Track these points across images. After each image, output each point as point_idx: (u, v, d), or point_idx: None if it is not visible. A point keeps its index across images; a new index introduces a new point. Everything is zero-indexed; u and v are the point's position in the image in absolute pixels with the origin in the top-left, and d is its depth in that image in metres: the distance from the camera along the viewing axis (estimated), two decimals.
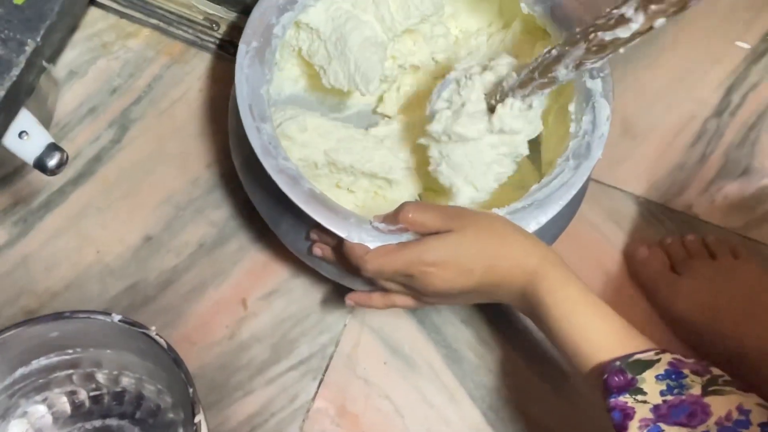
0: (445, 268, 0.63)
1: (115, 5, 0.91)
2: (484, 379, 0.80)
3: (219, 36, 0.90)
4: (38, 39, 0.65)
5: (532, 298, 0.63)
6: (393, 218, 0.65)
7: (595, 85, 0.74)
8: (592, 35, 0.60)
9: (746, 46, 0.96)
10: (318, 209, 0.67)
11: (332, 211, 0.67)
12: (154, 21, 0.91)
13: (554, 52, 0.64)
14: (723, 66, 0.95)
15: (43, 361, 0.68)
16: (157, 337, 0.63)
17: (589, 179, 0.77)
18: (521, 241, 0.64)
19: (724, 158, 0.91)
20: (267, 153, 0.69)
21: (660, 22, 0.57)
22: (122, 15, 0.91)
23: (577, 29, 0.62)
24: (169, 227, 0.84)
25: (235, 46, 0.88)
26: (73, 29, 0.89)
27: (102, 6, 0.91)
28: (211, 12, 0.91)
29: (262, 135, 0.70)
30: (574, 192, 0.70)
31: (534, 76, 0.66)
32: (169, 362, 0.62)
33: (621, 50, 0.60)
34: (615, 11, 0.58)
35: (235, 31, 0.90)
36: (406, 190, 0.81)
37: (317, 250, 0.71)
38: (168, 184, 0.85)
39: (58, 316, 0.64)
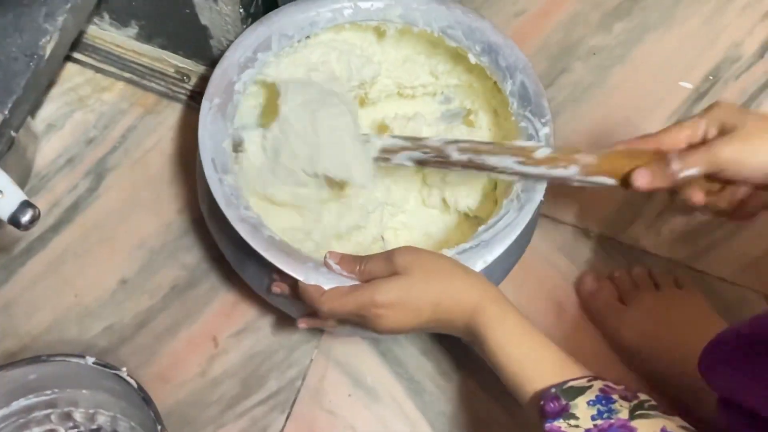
0: (396, 308, 0.66)
1: (90, 60, 0.96)
2: (445, 409, 0.84)
3: (189, 87, 0.95)
4: (6, 112, 0.70)
5: (475, 332, 0.67)
6: (346, 266, 0.69)
7: (541, 130, 0.78)
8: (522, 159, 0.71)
9: (689, 86, 1.01)
10: (277, 255, 0.71)
11: (291, 256, 0.71)
12: (127, 75, 0.96)
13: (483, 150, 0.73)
14: (667, 105, 1.00)
15: (22, 402, 0.72)
16: (128, 378, 0.68)
17: (536, 218, 0.81)
18: (463, 279, 0.68)
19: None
20: (229, 203, 0.73)
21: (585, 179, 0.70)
22: (97, 70, 0.96)
23: (513, 143, 0.73)
24: (143, 270, 0.88)
25: None
26: (50, 85, 0.95)
27: (78, 61, 0.96)
28: (181, 65, 0.95)
29: (224, 186, 0.73)
30: (518, 232, 0.74)
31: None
32: (140, 401, 0.67)
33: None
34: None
35: (205, 82, 0.91)
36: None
37: (276, 289, 0.75)
38: (142, 229, 0.90)
39: (35, 359, 0.68)
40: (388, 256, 0.68)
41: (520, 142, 0.75)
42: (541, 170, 0.72)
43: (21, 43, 0.71)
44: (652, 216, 0.94)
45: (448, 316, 0.67)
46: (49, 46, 0.72)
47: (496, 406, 0.84)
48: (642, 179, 0.68)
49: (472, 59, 0.82)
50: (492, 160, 0.74)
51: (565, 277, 0.91)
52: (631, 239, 0.93)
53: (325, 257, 0.70)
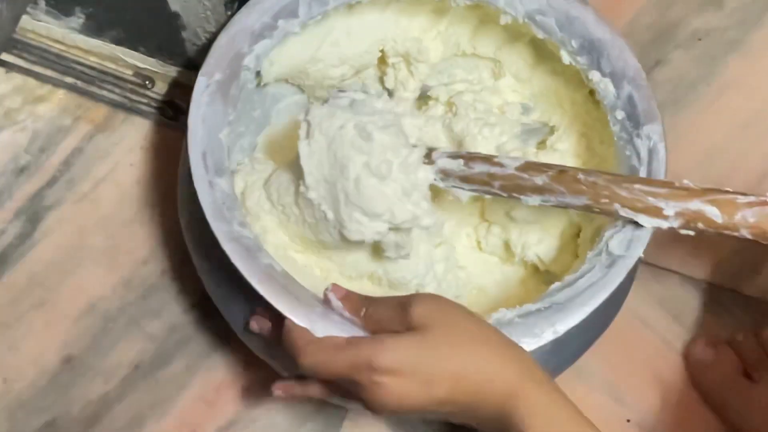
0: (401, 377, 0.65)
1: (20, 62, 0.98)
2: None
3: (155, 96, 0.97)
4: None
5: (508, 421, 0.65)
6: (350, 305, 0.70)
7: (651, 163, 0.79)
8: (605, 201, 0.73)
9: None
10: (275, 291, 0.71)
11: (293, 295, 0.71)
12: (70, 80, 0.97)
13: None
14: None
15: None
16: None
17: (631, 278, 0.83)
18: (499, 350, 0.67)
19: None
20: (219, 216, 0.73)
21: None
22: (29, 73, 0.98)
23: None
24: (95, 344, 0.89)
25: (176, 108, 0.96)
26: None
27: (3, 63, 0.98)
28: (142, 66, 0.97)
29: (215, 191, 0.74)
30: (605, 295, 0.74)
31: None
32: None
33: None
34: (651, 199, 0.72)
35: (176, 89, 0.97)
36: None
37: (254, 325, 0.76)
38: (93, 288, 0.90)
39: None
40: (404, 303, 0.68)
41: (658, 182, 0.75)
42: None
43: None
44: None
45: (473, 398, 0.66)
46: None
47: None
48: None
49: (566, 59, 0.83)
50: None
51: (668, 343, 0.91)
52: (758, 291, 0.93)
53: (326, 290, 0.71)
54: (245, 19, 0.81)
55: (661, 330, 0.92)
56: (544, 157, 0.87)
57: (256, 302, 0.73)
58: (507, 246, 0.88)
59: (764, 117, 1.01)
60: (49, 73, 0.98)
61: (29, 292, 0.90)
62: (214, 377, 0.88)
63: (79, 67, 0.97)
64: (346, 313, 0.70)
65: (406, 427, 0.88)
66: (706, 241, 0.94)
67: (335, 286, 0.71)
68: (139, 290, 0.91)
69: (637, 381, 0.90)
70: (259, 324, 0.75)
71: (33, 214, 0.93)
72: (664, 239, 0.92)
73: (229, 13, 0.86)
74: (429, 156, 0.79)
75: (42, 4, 0.94)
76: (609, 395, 0.89)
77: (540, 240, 0.86)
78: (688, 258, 0.95)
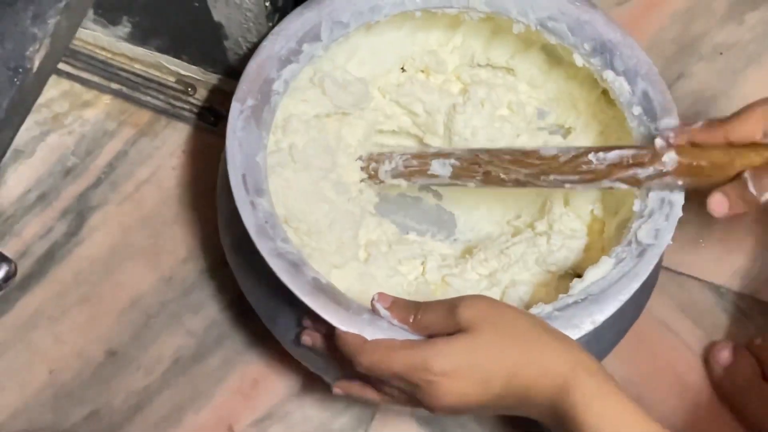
0: (457, 378, 0.67)
1: (68, 68, 1.01)
2: None
3: (196, 102, 1.00)
4: None
5: (564, 414, 0.66)
6: (398, 313, 0.71)
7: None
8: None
9: None
10: (323, 302, 0.73)
11: (341, 305, 0.73)
12: (115, 86, 1.00)
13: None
14: None
15: None
16: None
17: (659, 266, 0.83)
18: (550, 344, 0.68)
19: None
20: (263, 233, 0.75)
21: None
22: (77, 79, 1.01)
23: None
24: (137, 339, 0.92)
25: (216, 114, 0.97)
26: None
27: None
28: (185, 74, 1.00)
29: (258, 212, 0.76)
30: (638, 284, 0.75)
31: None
32: None
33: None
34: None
35: (216, 95, 0.99)
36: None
37: (306, 339, 0.77)
38: (135, 284, 0.93)
39: None
40: (452, 306, 0.69)
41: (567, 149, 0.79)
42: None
43: (2, 53, 0.72)
44: None
45: (527, 392, 0.67)
46: (38, 56, 0.70)
47: None
48: (718, 208, 0.71)
49: (579, 61, 0.85)
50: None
51: (689, 347, 0.93)
52: None
53: (373, 300, 0.72)
54: (272, 46, 0.83)
55: (682, 334, 0.93)
56: None
57: (305, 315, 0.74)
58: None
59: None
60: (95, 79, 1.01)
61: (75, 287, 0.93)
62: (250, 372, 0.91)
63: (124, 74, 1.00)
64: (395, 321, 0.71)
65: (435, 424, 0.90)
66: (726, 248, 0.97)
67: (381, 295, 0.72)
68: (179, 288, 0.94)
69: (657, 383, 0.91)
70: (311, 337, 0.77)
71: (79, 214, 0.96)
72: (684, 244, 0.94)
73: (271, 24, 0.88)
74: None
75: (90, 13, 0.96)
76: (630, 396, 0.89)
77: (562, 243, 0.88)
78: (709, 264, 0.96)
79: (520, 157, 0.81)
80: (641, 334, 0.90)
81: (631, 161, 0.75)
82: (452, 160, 0.85)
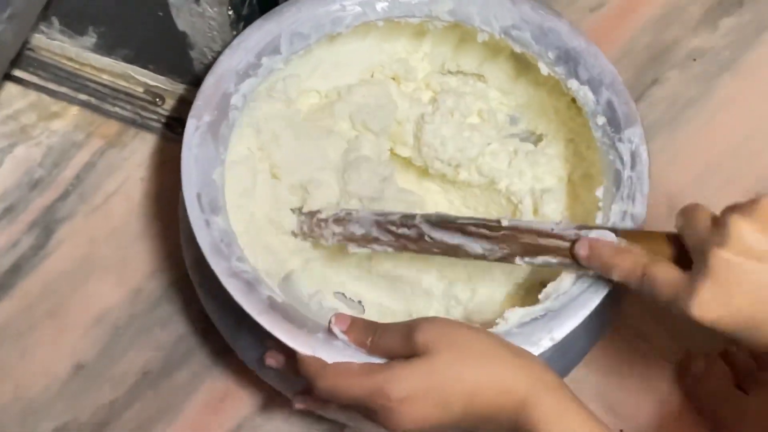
0: (415, 403, 0.66)
1: (35, 79, 1.00)
2: None
3: (164, 112, 0.99)
4: None
5: (526, 431, 0.66)
6: (354, 335, 0.71)
7: (634, 167, 0.80)
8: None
9: None
10: (277, 322, 0.73)
11: (296, 324, 0.72)
12: (83, 97, 1.00)
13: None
14: None
15: None
16: None
17: None
18: (509, 361, 0.68)
19: None
20: (217, 253, 0.75)
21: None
22: (44, 90, 1.00)
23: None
24: (105, 353, 0.91)
25: (184, 124, 0.97)
26: None
27: (19, 81, 1.00)
28: (153, 84, 0.99)
29: (213, 230, 0.76)
30: (598, 300, 0.75)
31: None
32: None
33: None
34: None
35: (184, 105, 0.98)
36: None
37: (270, 360, 0.77)
38: (103, 298, 0.93)
39: None
40: (409, 329, 0.69)
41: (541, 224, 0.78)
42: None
43: None
44: None
45: (489, 412, 0.67)
46: None
47: None
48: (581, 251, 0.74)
49: (544, 69, 0.85)
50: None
51: (662, 355, 0.92)
52: None
53: (330, 322, 0.72)
54: (229, 60, 0.83)
55: (655, 343, 0.93)
56: (535, 162, 0.90)
57: (263, 335, 0.74)
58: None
59: (759, 135, 1.03)
60: (63, 90, 1.00)
61: (42, 301, 0.93)
62: (219, 385, 0.90)
63: (91, 85, 1.00)
64: (352, 345, 0.71)
65: None
66: None
67: (338, 317, 0.72)
68: (148, 301, 0.93)
69: (630, 392, 0.91)
70: (275, 359, 0.76)
71: (46, 227, 0.96)
72: None
73: (235, 33, 0.87)
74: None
75: (56, 23, 0.96)
76: (603, 406, 0.89)
77: None
78: None
79: (449, 251, 0.80)
80: (614, 343, 0.90)
81: (555, 264, 0.76)
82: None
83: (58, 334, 0.92)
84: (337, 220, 0.85)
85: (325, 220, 0.86)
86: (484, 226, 0.78)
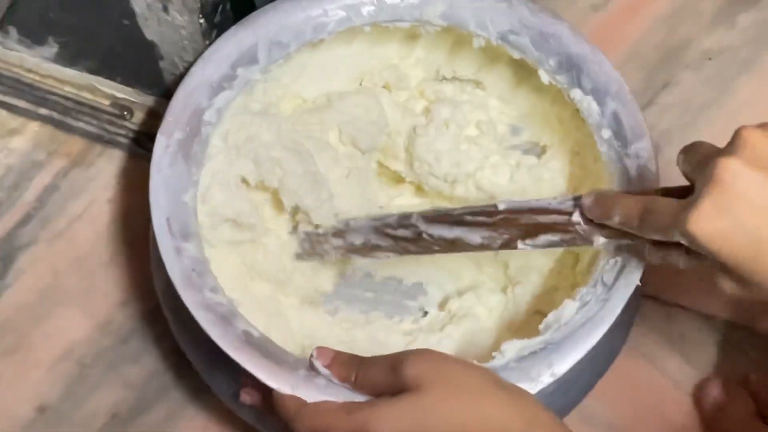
0: None
1: None
2: None
3: (133, 127, 0.96)
4: None
5: None
6: (338, 370, 0.70)
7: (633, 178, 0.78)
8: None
9: None
10: (254, 358, 0.71)
11: (274, 360, 0.71)
12: (44, 111, 0.96)
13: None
14: None
15: None
16: None
17: (635, 307, 0.83)
18: (503, 400, 0.67)
19: None
20: (188, 283, 0.73)
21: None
22: (2, 105, 0.97)
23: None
24: (70, 393, 0.88)
25: (154, 139, 0.94)
26: None
27: None
28: (120, 96, 0.96)
29: (183, 259, 0.74)
30: (603, 331, 0.73)
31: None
32: None
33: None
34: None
35: (154, 119, 0.95)
36: None
37: (246, 397, 0.75)
38: (68, 333, 0.90)
39: None
40: (396, 362, 0.68)
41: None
42: None
43: None
44: None
45: None
46: None
47: None
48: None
49: (545, 78, 0.83)
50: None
51: (677, 384, 0.90)
52: None
53: (311, 356, 0.71)
54: (201, 72, 0.81)
55: (669, 370, 0.90)
56: (538, 177, 0.88)
57: (239, 371, 0.72)
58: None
59: None
60: (22, 104, 0.97)
61: (0, 338, 0.90)
62: (196, 425, 0.88)
63: (53, 98, 0.97)
64: (335, 380, 0.70)
65: None
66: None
67: (321, 351, 0.71)
68: (116, 335, 0.90)
69: (644, 424, 0.89)
70: (251, 396, 0.75)
71: (4, 255, 0.93)
72: (671, 272, 0.90)
73: (208, 42, 0.86)
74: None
75: (13, 32, 0.93)
76: None
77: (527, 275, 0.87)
78: (699, 292, 0.93)
79: (448, 246, 0.81)
80: (624, 371, 0.88)
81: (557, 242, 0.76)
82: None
83: (19, 373, 0.89)
84: (336, 233, 0.86)
85: (325, 235, 0.86)
86: (482, 213, 0.78)
